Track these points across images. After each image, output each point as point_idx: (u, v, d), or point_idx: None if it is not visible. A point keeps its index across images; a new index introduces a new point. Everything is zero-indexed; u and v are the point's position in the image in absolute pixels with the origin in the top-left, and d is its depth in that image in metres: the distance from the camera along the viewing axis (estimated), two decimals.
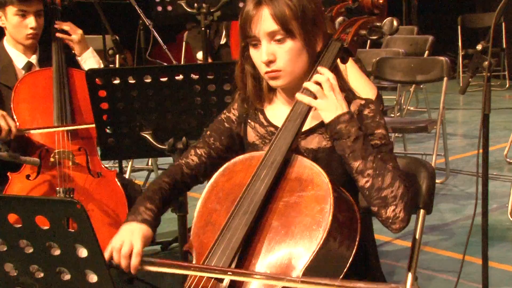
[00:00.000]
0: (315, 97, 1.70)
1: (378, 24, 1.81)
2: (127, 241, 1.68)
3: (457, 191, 4.61)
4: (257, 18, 1.70)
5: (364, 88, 2.33)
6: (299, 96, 1.71)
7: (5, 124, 2.71)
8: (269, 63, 1.72)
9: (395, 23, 1.79)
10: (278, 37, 1.70)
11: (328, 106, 1.70)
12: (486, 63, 2.43)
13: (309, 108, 1.72)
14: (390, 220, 1.68)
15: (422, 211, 1.92)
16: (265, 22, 1.69)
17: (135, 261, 1.66)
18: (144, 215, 1.75)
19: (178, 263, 1.63)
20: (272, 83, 1.77)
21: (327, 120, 1.71)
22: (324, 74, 1.70)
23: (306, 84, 1.72)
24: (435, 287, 3.17)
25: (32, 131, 2.83)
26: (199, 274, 1.59)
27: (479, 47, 2.50)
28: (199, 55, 4.85)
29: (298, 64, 1.73)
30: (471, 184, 4.66)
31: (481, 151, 2.52)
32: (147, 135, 2.35)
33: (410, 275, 1.90)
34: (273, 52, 1.71)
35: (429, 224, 3.88)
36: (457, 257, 3.44)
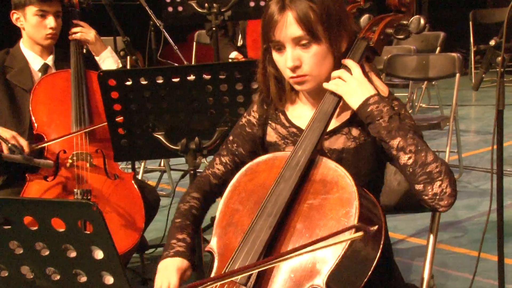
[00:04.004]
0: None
1: (404, 22, 1.76)
2: (164, 280, 1.69)
3: (471, 187, 4.58)
4: (282, 24, 1.65)
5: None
6: (325, 84, 1.69)
7: (17, 145, 2.69)
8: (295, 68, 1.68)
9: (422, 21, 1.73)
10: (304, 42, 1.66)
11: (354, 91, 1.66)
12: (500, 58, 2.41)
13: (335, 107, 1.69)
14: (438, 197, 1.61)
15: None
16: (290, 27, 1.65)
17: None
18: (177, 248, 1.75)
19: (213, 278, 1.56)
20: (298, 87, 1.74)
21: (355, 105, 1.67)
22: (347, 65, 1.69)
23: (333, 73, 1.70)
24: (451, 285, 3.16)
25: (45, 145, 2.83)
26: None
27: (492, 42, 2.48)
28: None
29: (324, 67, 1.70)
30: (485, 181, 4.63)
31: (495, 147, 2.50)
32: (159, 135, 2.35)
33: (426, 273, 1.88)
34: (299, 57, 1.67)
35: (443, 221, 3.83)
36: (473, 254, 3.41)
